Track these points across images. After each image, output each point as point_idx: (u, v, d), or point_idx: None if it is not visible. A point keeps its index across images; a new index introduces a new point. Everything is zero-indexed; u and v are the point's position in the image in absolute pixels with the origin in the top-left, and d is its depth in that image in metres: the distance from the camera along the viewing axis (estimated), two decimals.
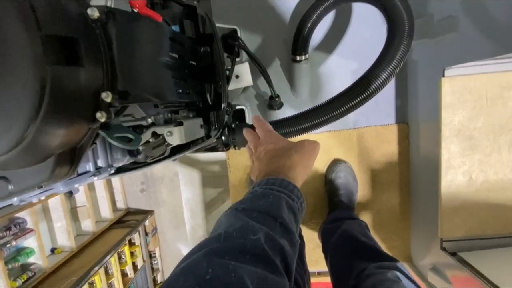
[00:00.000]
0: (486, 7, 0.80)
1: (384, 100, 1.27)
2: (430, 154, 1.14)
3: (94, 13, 0.44)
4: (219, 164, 2.90)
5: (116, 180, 3.04)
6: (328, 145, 1.32)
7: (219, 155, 2.73)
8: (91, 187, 2.71)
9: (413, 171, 1.30)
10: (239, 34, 1.14)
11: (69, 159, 0.51)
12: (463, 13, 0.89)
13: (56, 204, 2.22)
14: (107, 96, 0.46)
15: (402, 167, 1.32)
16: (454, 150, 0.99)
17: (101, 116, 0.47)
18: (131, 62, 0.50)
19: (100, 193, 2.76)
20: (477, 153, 0.99)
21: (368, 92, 0.76)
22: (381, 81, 0.75)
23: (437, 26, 0.99)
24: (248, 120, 1.17)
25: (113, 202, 2.99)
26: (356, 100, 0.76)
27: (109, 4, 0.51)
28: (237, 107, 1.14)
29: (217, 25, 1.11)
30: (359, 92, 0.76)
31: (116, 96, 0.47)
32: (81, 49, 0.43)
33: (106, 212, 2.79)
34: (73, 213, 2.50)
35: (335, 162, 1.31)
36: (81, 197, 2.53)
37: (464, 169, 1.00)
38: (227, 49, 1.09)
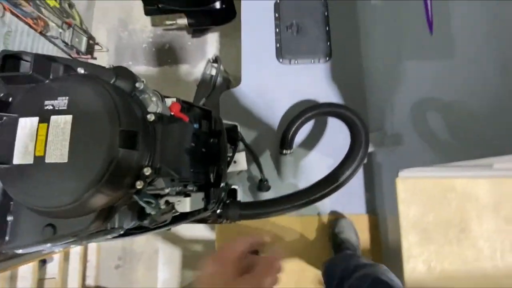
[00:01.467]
0: (429, 124, 1.09)
1: (356, 193, 1.49)
2: (396, 244, 1.30)
3: (151, 117, 0.68)
4: (203, 244, 2.88)
5: (92, 252, 2.92)
6: (305, 229, 1.46)
7: (205, 234, 2.75)
8: (66, 257, 2.60)
9: (385, 258, 1.42)
10: (239, 129, 1.43)
11: (105, 216, 0.67)
12: (410, 128, 1.19)
13: (27, 272, 2.12)
14: (147, 171, 0.66)
15: (375, 255, 1.45)
16: (413, 240, 1.16)
17: (140, 184, 0.66)
18: (167, 148, 0.72)
19: (73, 264, 2.63)
20: (432, 244, 1.16)
21: (336, 184, 0.99)
22: (345, 177, 0.98)
23: (390, 138, 1.30)
24: (240, 197, 1.35)
25: (83, 277, 2.80)
26: (326, 191, 0.98)
27: (159, 110, 0.76)
28: (232, 187, 1.33)
29: (224, 121, 1.41)
30: (328, 184, 0.99)
31: (153, 171, 0.67)
32: (139, 139, 0.65)
33: None
34: (40, 285, 2.33)
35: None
36: (53, 267, 2.41)
37: (424, 258, 1.14)
38: (229, 139, 1.36)
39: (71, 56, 2.82)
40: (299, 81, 1.57)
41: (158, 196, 0.81)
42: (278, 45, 1.58)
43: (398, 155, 1.29)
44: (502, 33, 0.62)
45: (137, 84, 0.71)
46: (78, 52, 2.89)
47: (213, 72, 2.65)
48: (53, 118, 0.62)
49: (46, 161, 0.60)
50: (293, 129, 1.34)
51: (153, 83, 3.26)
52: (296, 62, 1.57)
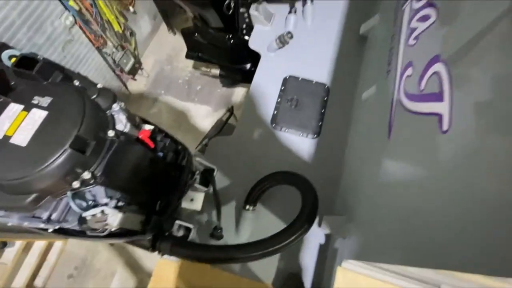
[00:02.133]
0: (390, 223, 1.09)
1: (307, 270, 1.45)
2: None
3: (111, 133, 0.81)
4: None
5: (54, 252, 2.89)
6: None
7: None
8: (27, 248, 2.60)
9: None
10: (215, 173, 1.52)
11: (39, 201, 0.76)
12: (371, 221, 1.20)
13: None
14: (87, 175, 0.76)
15: None
16: None
17: (76, 184, 0.75)
18: (114, 163, 0.82)
19: (31, 258, 2.61)
20: None
21: (270, 250, 1.01)
22: (280, 246, 1.01)
23: (350, 226, 1.30)
24: (192, 237, 1.37)
25: (34, 275, 2.74)
26: (258, 253, 0.99)
27: (125, 130, 0.89)
28: (185, 225, 1.37)
29: (203, 161, 1.52)
30: (262, 247, 1.01)
31: (91, 177, 0.76)
32: (90, 146, 0.76)
33: (20, 283, 2.53)
34: None
35: None
36: (10, 254, 2.41)
37: None
38: (202, 180, 1.45)
39: (114, 72, 3.22)
40: (286, 148, 1.68)
41: (95, 204, 0.89)
42: (275, 112, 1.75)
43: (354, 245, 1.28)
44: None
45: (114, 105, 0.86)
46: (121, 70, 3.30)
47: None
48: (33, 110, 0.76)
49: (10, 141, 0.73)
50: (260, 187, 1.40)
51: (174, 113, 3.55)
52: (286, 131, 1.70)
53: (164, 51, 3.93)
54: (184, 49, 3.16)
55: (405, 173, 0.87)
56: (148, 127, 1.05)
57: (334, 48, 1.92)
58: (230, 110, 2.90)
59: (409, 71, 1.03)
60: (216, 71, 3.22)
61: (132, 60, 3.36)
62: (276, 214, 1.52)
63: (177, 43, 3.85)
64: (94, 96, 0.83)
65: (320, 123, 1.72)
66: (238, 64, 2.76)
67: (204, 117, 3.56)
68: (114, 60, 3.15)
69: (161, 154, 1.07)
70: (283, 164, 1.65)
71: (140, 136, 0.96)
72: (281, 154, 1.68)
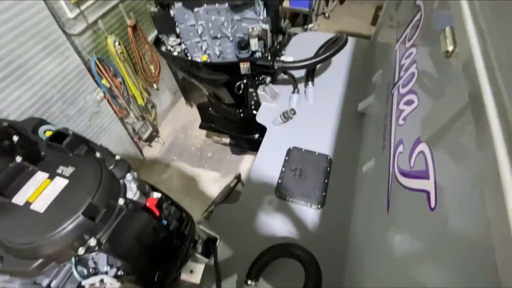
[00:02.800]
0: None
1: None
2: None
3: (121, 201, 0.87)
4: None
5: None
6: None
7: None
8: None
9: None
10: (217, 243, 1.51)
11: (44, 267, 0.79)
12: None
13: None
14: (93, 242, 0.80)
15: None
16: None
17: (81, 250, 0.79)
18: (120, 230, 0.87)
19: None
20: None
21: None
22: None
23: None
24: None
25: None
26: None
27: (134, 198, 0.96)
28: None
29: (206, 230, 1.53)
30: None
31: (97, 244, 0.80)
32: (100, 214, 0.82)
33: None
34: None
35: None
36: None
37: None
38: (205, 249, 1.44)
39: (133, 139, 3.46)
40: (289, 218, 1.67)
41: (95, 271, 0.90)
42: (279, 181, 1.81)
43: None
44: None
45: (127, 174, 0.95)
46: (139, 138, 3.56)
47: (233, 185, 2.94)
48: (56, 178, 0.85)
49: (31, 207, 0.80)
50: (262, 261, 1.37)
51: (184, 178, 3.65)
52: (291, 200, 1.73)
53: (180, 121, 4.26)
54: (198, 120, 3.44)
55: (404, 248, 0.87)
56: (156, 195, 1.12)
57: (335, 123, 2.07)
58: (238, 177, 2.98)
59: (400, 148, 1.10)
60: (226, 140, 3.42)
61: (150, 129, 3.64)
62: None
63: (193, 115, 4.19)
64: (112, 166, 0.93)
65: (324, 193, 1.75)
66: (247, 134, 2.95)
67: (213, 182, 3.64)
68: (134, 129, 3.43)
69: (165, 222, 1.11)
70: (287, 234, 1.63)
71: (147, 204, 1.02)
72: (285, 224, 1.68)
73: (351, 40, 2.56)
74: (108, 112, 2.95)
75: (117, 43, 2.82)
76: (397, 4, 2.02)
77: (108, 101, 2.93)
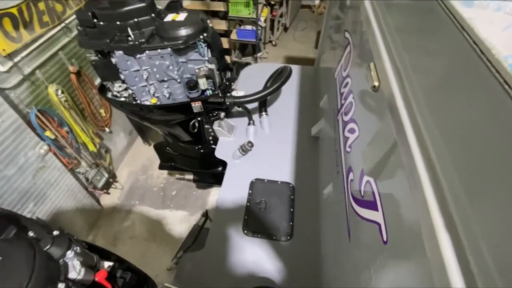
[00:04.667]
0: None
1: None
2: None
3: (61, 287, 0.77)
4: None
5: None
6: None
7: None
8: None
9: None
10: None
11: None
12: None
13: None
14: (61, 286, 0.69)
15: None
16: None
17: None
18: None
19: None
20: None
21: None
22: None
23: None
24: None
25: None
26: None
27: (78, 278, 0.86)
28: None
29: (171, 286, 1.41)
30: None
31: None
32: None
33: None
34: None
35: None
36: None
37: None
38: None
39: (87, 190, 3.21)
40: (260, 255, 1.63)
41: None
42: (246, 217, 1.77)
43: None
44: None
45: (68, 252, 0.85)
46: (94, 187, 3.31)
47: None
48: None
49: None
50: None
51: (148, 223, 3.43)
52: (259, 236, 1.69)
53: (139, 162, 4.07)
54: (158, 158, 3.32)
55: (367, 280, 0.87)
56: (107, 265, 1.02)
57: (292, 149, 2.12)
58: (205, 215, 2.88)
59: (351, 176, 1.14)
60: (190, 176, 3.32)
61: (105, 176, 3.42)
62: None
63: (152, 154, 4.01)
64: (48, 246, 0.83)
65: (291, 223, 1.74)
66: (209, 169, 2.89)
67: (180, 223, 3.46)
68: (87, 178, 3.19)
69: None
70: (260, 273, 1.57)
71: (96, 279, 0.92)
72: (256, 262, 1.62)
73: (296, 69, 2.71)
74: (55, 165, 2.72)
75: (59, 91, 2.67)
76: (333, 31, 2.19)
77: (55, 154, 2.70)
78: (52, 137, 2.65)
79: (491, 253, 0.41)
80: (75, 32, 2.77)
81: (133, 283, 1.06)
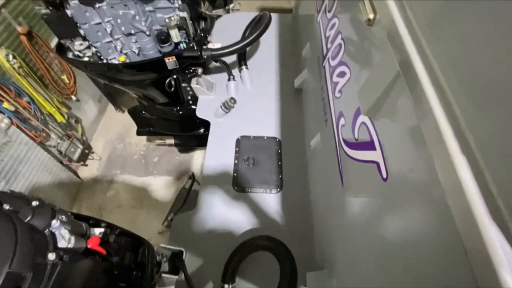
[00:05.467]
0: (368, 271, 1.05)
1: None
2: None
3: (52, 256, 0.72)
4: None
5: None
6: None
7: None
8: None
9: None
10: (184, 256, 1.41)
11: None
12: (349, 272, 1.17)
13: None
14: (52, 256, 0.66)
15: None
16: None
17: None
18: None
19: None
20: None
21: None
22: None
23: (329, 280, 1.26)
24: None
25: None
26: None
27: (69, 246, 0.80)
28: None
29: (168, 246, 1.41)
30: None
31: None
32: (26, 281, 0.67)
33: None
34: None
35: None
36: None
37: None
38: (171, 266, 1.33)
39: (62, 163, 3.04)
40: (252, 209, 1.65)
41: None
42: (235, 175, 1.75)
43: None
44: None
45: (53, 221, 0.79)
46: (70, 160, 3.13)
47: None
48: None
49: None
50: (233, 261, 1.32)
51: (133, 191, 3.37)
52: (249, 191, 1.70)
53: (114, 130, 3.86)
54: (135, 125, 3.15)
55: (364, 220, 0.89)
56: (98, 231, 0.97)
57: (276, 103, 2.06)
58: (192, 177, 2.85)
59: (342, 121, 1.12)
60: (171, 141, 3.21)
61: (80, 148, 3.23)
62: (258, 284, 1.42)
63: (127, 120, 3.80)
64: (28, 218, 0.76)
65: (280, 176, 1.75)
66: (191, 131, 2.79)
67: (166, 188, 3.43)
68: (60, 151, 3.00)
69: (116, 258, 0.97)
70: (253, 226, 1.60)
71: (89, 246, 0.87)
72: (249, 216, 1.65)
73: (274, 17, 2.53)
74: (21, 140, 2.51)
75: (10, 56, 2.36)
76: None
77: (18, 127, 2.47)
78: (12, 109, 2.39)
79: (509, 174, 0.39)
80: None
81: (128, 247, 1.04)
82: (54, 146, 2.97)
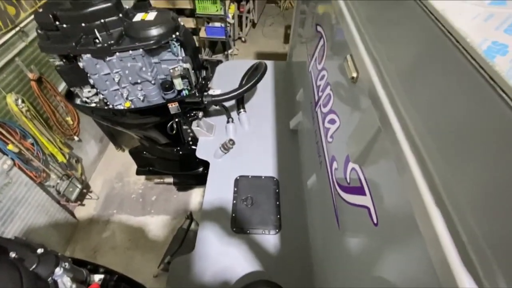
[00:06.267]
0: None
1: None
2: None
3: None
4: None
5: None
6: None
7: None
8: None
9: None
10: None
11: None
12: None
13: None
14: None
15: None
16: None
17: None
18: None
19: None
20: None
21: None
22: None
23: None
24: None
25: None
26: None
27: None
28: None
29: None
30: None
31: None
32: None
33: None
34: None
35: None
36: None
37: None
38: None
39: (59, 203, 3.02)
40: (251, 251, 1.64)
41: None
42: (233, 215, 1.77)
43: None
44: None
45: (56, 269, 0.81)
46: (67, 200, 3.13)
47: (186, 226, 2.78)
48: None
49: None
50: None
51: (129, 232, 3.31)
52: (248, 232, 1.70)
53: (113, 169, 3.90)
54: (134, 164, 3.19)
55: (360, 265, 0.92)
56: (97, 278, 0.98)
57: (273, 144, 2.14)
58: (189, 217, 2.84)
59: (335, 165, 1.19)
60: (169, 179, 3.24)
61: (78, 187, 3.24)
62: None
63: (126, 159, 3.87)
64: (34, 265, 0.78)
65: (278, 216, 1.77)
66: (190, 170, 2.85)
67: (163, 227, 3.38)
68: (59, 191, 3.01)
69: None
70: (253, 269, 1.59)
71: None
72: (247, 258, 1.63)
73: (269, 64, 2.73)
74: (21, 181, 2.54)
75: (19, 101, 2.48)
76: (303, 26, 2.23)
77: (20, 168, 2.52)
78: (16, 150, 2.46)
79: (477, 222, 0.45)
80: (32, 36, 2.59)
81: None
82: (53, 186, 2.99)
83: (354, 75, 0.94)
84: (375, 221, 0.79)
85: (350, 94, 1.03)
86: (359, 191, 0.90)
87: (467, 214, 0.47)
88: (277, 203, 1.84)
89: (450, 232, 0.47)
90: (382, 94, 0.72)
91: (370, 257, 0.82)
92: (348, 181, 1.02)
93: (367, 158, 0.83)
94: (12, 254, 0.81)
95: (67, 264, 0.85)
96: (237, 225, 1.74)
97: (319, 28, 1.62)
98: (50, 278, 0.80)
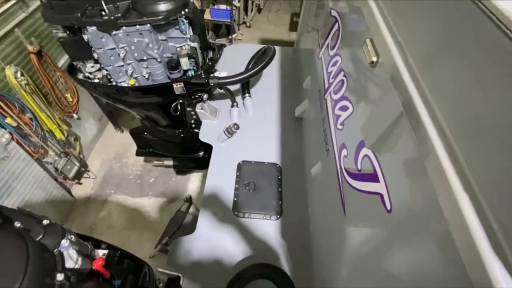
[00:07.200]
0: None
1: None
2: None
3: (60, 277, 0.72)
4: None
5: None
6: None
7: None
8: None
9: None
10: (181, 281, 1.39)
11: None
12: None
13: None
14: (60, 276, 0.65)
15: None
16: None
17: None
18: None
19: None
20: None
21: None
22: None
23: None
24: None
25: None
26: None
27: (76, 266, 0.80)
28: None
29: (166, 271, 1.39)
30: None
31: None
32: None
33: None
34: None
35: None
36: None
37: None
38: None
39: (57, 181, 3.00)
40: (251, 235, 1.65)
41: None
42: (235, 199, 1.77)
43: None
44: None
45: (63, 241, 0.79)
46: (65, 177, 3.10)
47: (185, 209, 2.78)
48: None
49: None
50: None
51: (126, 212, 3.31)
52: (249, 216, 1.70)
53: (112, 149, 3.86)
54: (133, 145, 3.16)
55: (366, 249, 0.92)
56: (101, 253, 0.97)
57: (277, 130, 2.12)
58: (189, 200, 2.83)
59: (344, 152, 1.17)
60: (169, 162, 3.22)
61: (76, 165, 3.21)
62: None
63: (126, 140, 3.84)
64: (40, 236, 0.76)
65: (280, 202, 1.77)
66: (191, 154, 2.82)
67: (161, 210, 3.38)
68: (57, 168, 2.98)
69: (119, 281, 0.96)
70: (252, 253, 1.59)
71: (94, 268, 0.87)
72: (248, 242, 1.64)
73: (277, 49, 2.67)
74: (19, 155, 2.50)
75: (19, 73, 2.41)
76: (314, 13, 2.18)
77: (18, 142, 2.47)
78: (14, 124, 2.41)
79: (507, 211, 0.44)
80: (33, 7, 2.49)
81: (130, 270, 1.03)
82: (51, 163, 2.95)
83: (374, 59, 0.91)
84: (388, 207, 0.78)
85: (368, 79, 1.01)
86: (372, 178, 0.89)
87: (495, 201, 0.46)
88: (279, 189, 1.83)
89: (479, 217, 0.46)
90: (407, 78, 0.70)
91: (380, 243, 0.82)
92: (359, 168, 1.00)
93: (385, 144, 0.81)
94: (17, 224, 0.79)
95: (73, 236, 0.83)
96: (238, 209, 1.74)
97: (333, 13, 1.58)
98: (56, 249, 0.78)
